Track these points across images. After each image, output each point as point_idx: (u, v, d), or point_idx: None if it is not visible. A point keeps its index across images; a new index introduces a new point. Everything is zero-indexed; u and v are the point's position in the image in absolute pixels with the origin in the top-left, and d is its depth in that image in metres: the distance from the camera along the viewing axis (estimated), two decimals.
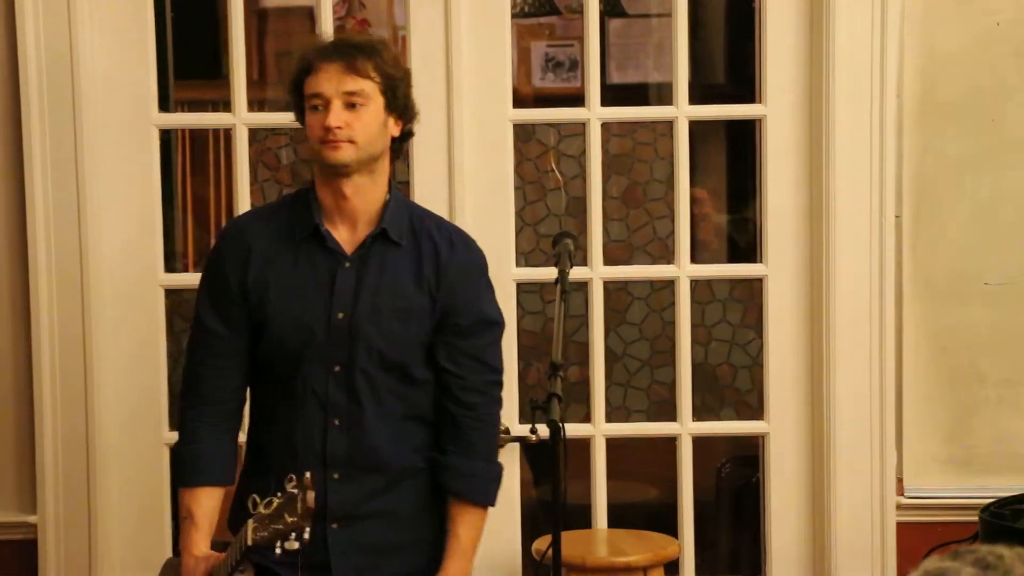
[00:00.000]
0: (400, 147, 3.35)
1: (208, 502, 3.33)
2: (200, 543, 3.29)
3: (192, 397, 3.37)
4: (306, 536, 2.91)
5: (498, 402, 3.40)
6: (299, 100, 3.29)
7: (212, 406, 3.35)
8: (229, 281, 3.31)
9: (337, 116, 3.21)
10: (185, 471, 3.35)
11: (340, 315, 3.27)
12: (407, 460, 3.31)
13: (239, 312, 3.31)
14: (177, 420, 3.41)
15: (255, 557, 3.15)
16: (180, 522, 3.36)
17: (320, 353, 3.27)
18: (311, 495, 2.91)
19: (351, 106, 3.22)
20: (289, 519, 2.92)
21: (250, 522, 2.97)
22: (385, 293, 3.29)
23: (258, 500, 2.97)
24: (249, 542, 2.98)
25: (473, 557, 3.40)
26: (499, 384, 3.39)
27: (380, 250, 3.30)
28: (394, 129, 3.28)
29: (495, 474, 3.40)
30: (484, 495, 3.38)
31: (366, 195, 3.28)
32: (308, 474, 2.93)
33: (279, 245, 3.32)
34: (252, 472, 3.38)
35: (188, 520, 3.31)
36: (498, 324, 3.40)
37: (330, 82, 3.23)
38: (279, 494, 2.94)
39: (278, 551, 2.94)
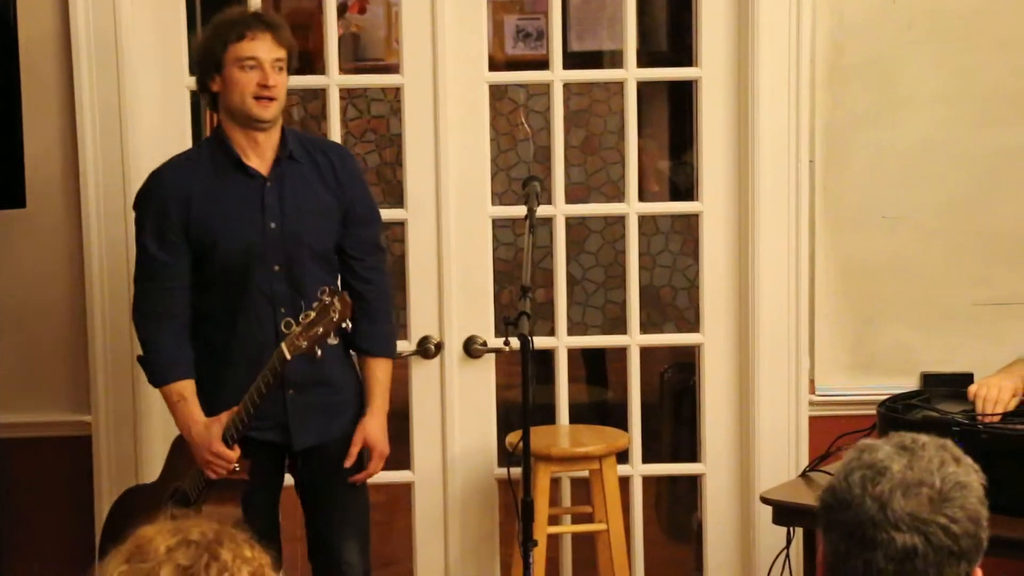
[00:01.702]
0: None
1: (191, 388, 3.43)
2: (199, 414, 3.40)
3: (147, 314, 3.46)
4: (348, 326, 3.16)
5: (388, 275, 3.62)
6: (218, 62, 3.37)
7: (167, 319, 3.45)
8: (171, 217, 3.41)
9: (274, 77, 3.36)
10: (162, 371, 3.45)
11: (273, 225, 3.42)
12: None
13: (180, 241, 3.41)
14: (138, 337, 3.50)
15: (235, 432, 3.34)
16: (173, 408, 3.44)
17: (262, 258, 3.41)
18: (345, 294, 3.15)
19: (278, 71, 3.38)
20: (334, 316, 3.10)
21: (283, 343, 3.16)
22: (303, 200, 3.46)
23: (292, 321, 3.17)
24: (288, 356, 3.16)
25: (389, 392, 3.60)
26: (386, 262, 3.62)
27: (288, 169, 3.46)
28: None
29: (394, 332, 3.67)
30: (389, 349, 3.62)
31: (271, 136, 3.45)
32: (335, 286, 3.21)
33: (210, 181, 3.43)
34: (210, 367, 3.46)
35: (182, 401, 3.41)
36: (380, 215, 3.64)
37: (264, 48, 3.36)
38: (313, 307, 3.14)
39: (319, 352, 3.14)
